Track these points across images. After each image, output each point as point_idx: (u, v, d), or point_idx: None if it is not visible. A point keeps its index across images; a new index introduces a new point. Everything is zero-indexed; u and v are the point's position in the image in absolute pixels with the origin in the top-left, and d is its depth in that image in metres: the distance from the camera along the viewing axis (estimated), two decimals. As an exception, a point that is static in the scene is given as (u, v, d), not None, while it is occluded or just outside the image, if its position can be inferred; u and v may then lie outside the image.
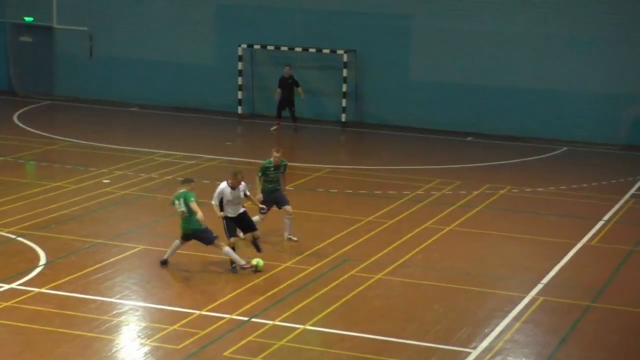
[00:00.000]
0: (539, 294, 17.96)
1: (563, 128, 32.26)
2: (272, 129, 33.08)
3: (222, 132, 32.94)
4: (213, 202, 18.96)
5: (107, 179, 25.26)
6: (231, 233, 19.02)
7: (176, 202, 18.66)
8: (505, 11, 32.58)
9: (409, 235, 21.27)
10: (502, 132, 32.73)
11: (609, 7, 31.67)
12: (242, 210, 19.15)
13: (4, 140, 29.60)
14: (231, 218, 19.00)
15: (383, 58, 33.91)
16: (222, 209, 18.95)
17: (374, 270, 18.87)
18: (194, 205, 18.40)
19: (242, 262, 18.67)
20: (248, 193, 19.17)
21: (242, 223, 19.29)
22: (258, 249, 19.18)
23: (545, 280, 18.65)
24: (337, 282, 18.31)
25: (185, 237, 18.88)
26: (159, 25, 36.13)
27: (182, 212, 18.58)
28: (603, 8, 31.69)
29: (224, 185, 18.95)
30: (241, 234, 19.64)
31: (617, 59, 31.72)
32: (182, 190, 18.69)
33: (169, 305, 17.05)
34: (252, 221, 19.39)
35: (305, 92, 33.28)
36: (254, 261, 19.00)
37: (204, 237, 18.72)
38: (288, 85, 32.82)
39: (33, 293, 17.31)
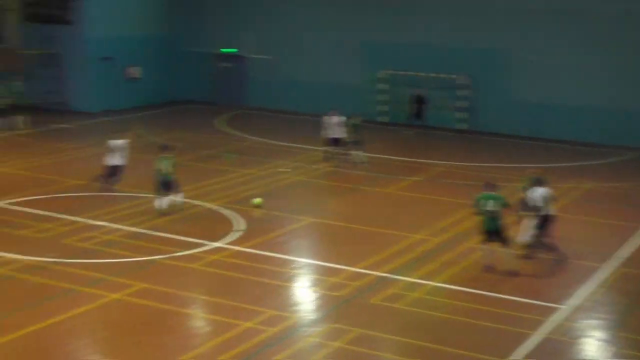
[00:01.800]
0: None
1: None
2: (407, 132, 32.97)
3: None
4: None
5: (285, 169, 25.56)
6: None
7: (488, 202, 16.54)
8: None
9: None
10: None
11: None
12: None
13: (208, 138, 30.19)
14: None
15: (492, 81, 33.42)
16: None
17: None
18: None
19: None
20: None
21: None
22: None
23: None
24: (457, 251, 18.12)
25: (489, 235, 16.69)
26: (320, 54, 36.33)
27: (492, 211, 16.49)
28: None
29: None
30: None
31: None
32: (489, 193, 16.65)
33: (331, 263, 17.15)
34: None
35: (433, 108, 33.08)
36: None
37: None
38: (418, 102, 32.76)
39: (233, 250, 17.71)
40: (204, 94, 38.60)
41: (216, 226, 19.44)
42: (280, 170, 25.10)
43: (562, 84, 32.29)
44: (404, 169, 26.64)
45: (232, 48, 37.81)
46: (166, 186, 20.09)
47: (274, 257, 17.34)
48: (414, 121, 33.13)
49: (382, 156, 28.17)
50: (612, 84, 31.55)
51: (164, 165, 20.08)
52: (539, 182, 17.30)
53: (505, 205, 16.60)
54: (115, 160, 21.72)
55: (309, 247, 18.59)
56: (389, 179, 24.79)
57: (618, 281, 16.66)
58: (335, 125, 26.15)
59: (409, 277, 16.40)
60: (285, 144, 29.62)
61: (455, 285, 16.06)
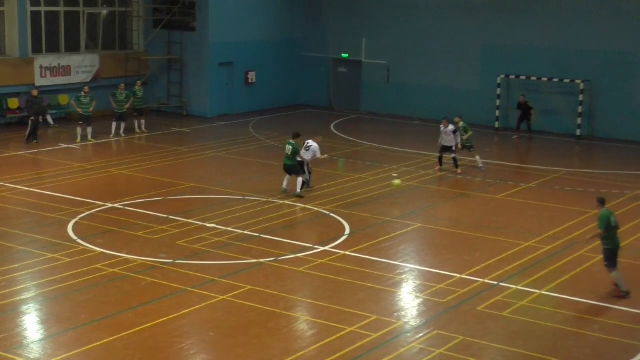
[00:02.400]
0: None
1: None
2: (513, 137, 32.54)
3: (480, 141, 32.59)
4: None
5: (395, 174, 25.59)
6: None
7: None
8: None
9: (631, 225, 20.29)
10: None
11: None
12: None
13: (322, 143, 30.34)
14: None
15: (613, 86, 32.51)
16: None
17: (598, 251, 18.15)
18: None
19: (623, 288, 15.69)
20: None
21: None
22: None
23: None
24: (567, 259, 17.84)
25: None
26: (438, 59, 36.19)
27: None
28: None
29: None
30: None
31: None
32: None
33: (437, 269, 17.12)
34: None
35: (548, 113, 32.51)
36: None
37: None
38: (524, 108, 32.35)
39: (339, 255, 17.86)
40: (321, 99, 39.02)
41: (325, 230, 19.65)
42: (394, 175, 25.09)
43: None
44: (515, 175, 26.24)
45: (348, 53, 38.10)
46: (287, 170, 22.45)
47: (380, 262, 17.41)
48: (521, 126, 32.63)
49: (493, 162, 27.84)
50: None
51: (287, 149, 22.29)
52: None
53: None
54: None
55: (415, 252, 18.55)
56: (499, 185, 24.48)
57: None
58: (448, 133, 25.70)
59: (517, 285, 16.18)
60: (399, 149, 29.60)
61: (564, 294, 15.75)
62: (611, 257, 15.64)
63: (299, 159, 22.72)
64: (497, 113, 34.43)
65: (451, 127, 25.65)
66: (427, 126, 34.39)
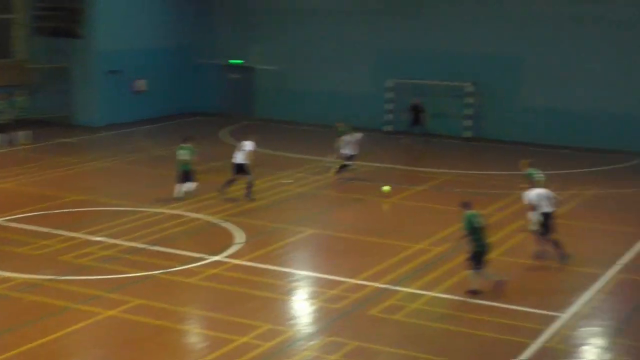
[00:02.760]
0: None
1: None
2: (400, 140, 33.00)
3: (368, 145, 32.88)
4: None
5: (288, 180, 25.47)
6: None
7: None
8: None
9: (515, 225, 20.60)
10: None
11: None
12: None
13: (212, 150, 29.69)
14: None
15: (499, 88, 33.30)
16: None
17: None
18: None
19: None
20: None
21: None
22: None
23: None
24: (457, 260, 17.85)
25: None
26: (330, 64, 36.30)
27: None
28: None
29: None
30: None
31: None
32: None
33: (331, 275, 17.02)
34: None
35: (438, 116, 33.14)
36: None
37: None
38: (416, 110, 32.82)
39: (231, 264, 17.56)
40: (213, 106, 38.60)
41: (215, 239, 19.34)
42: (283, 182, 24.98)
43: (571, 90, 32.10)
44: (408, 178, 26.52)
45: (240, 59, 37.84)
46: (184, 176, 22.43)
47: (272, 270, 17.24)
48: (412, 129, 33.12)
49: (385, 165, 28.07)
50: (622, 90, 31.33)
51: (182, 154, 22.36)
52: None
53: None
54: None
55: (308, 259, 18.50)
56: (393, 188, 24.66)
57: (618, 288, 16.49)
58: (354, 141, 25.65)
59: (409, 287, 16.28)
60: (291, 155, 29.49)
61: (454, 295, 15.90)
62: (477, 258, 15.78)
63: (241, 161, 22.52)
64: (389, 117, 34.78)
65: (358, 135, 25.78)
66: (320, 132, 34.43)
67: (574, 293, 16.04)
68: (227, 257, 17.99)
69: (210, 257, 17.90)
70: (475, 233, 15.76)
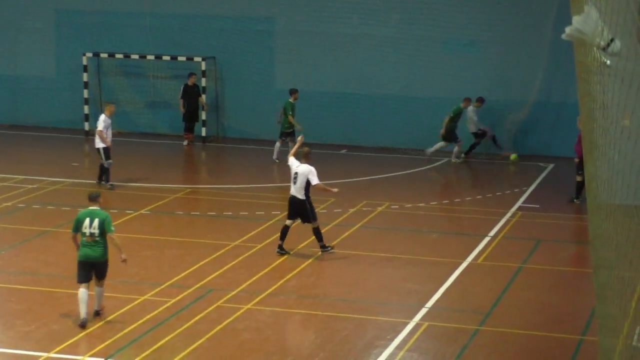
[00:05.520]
0: (424, 319, 18.16)
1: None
2: (184, 144, 33.21)
3: (67, 151, 32.44)
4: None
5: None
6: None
7: (86, 220, 17.51)
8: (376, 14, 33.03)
9: (280, 260, 21.29)
10: (377, 144, 33.01)
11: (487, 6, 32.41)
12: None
13: None
14: None
15: (246, 66, 34.01)
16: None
17: (242, 300, 18.80)
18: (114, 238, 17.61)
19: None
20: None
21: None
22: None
23: (429, 304, 18.87)
24: (201, 315, 18.17)
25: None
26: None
27: (92, 234, 17.44)
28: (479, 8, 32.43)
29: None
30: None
31: (498, 63, 32.39)
32: (92, 208, 17.67)
33: (13, 348, 16.72)
34: None
35: (160, 105, 33.28)
36: None
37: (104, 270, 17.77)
38: (194, 95, 33.04)
39: None
40: None
41: None
42: None
43: (348, 66, 33.40)
44: (123, 198, 26.47)
45: None
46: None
47: None
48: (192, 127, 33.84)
49: (80, 180, 27.91)
50: (414, 64, 33.01)
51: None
52: None
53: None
54: None
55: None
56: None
57: (422, 340, 17.37)
58: None
59: (132, 360, 16.27)
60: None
61: (200, 366, 16.09)
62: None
63: None
64: (87, 110, 34.53)
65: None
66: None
67: (366, 353, 16.70)
68: None
69: None
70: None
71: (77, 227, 17.43)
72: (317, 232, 21.51)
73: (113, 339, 17.00)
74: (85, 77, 34.48)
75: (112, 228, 17.45)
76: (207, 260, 21.25)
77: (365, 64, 33.19)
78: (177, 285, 19.73)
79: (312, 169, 21.15)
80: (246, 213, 24.93)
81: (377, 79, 33.19)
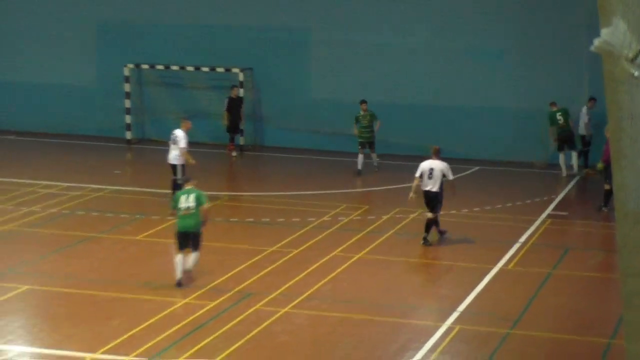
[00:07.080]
0: (455, 322, 18.27)
1: (473, 146, 32.65)
2: (233, 154, 33.35)
3: (110, 159, 32.68)
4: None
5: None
6: None
7: (182, 197, 19.96)
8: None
9: (316, 265, 21.42)
10: (407, 152, 33.00)
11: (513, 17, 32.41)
12: None
13: None
14: None
15: (282, 76, 34.15)
16: None
17: (279, 303, 18.98)
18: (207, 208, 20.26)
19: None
20: None
21: None
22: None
23: (460, 308, 18.97)
24: (240, 318, 18.34)
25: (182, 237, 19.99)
26: (33, 44, 35.76)
27: (188, 207, 19.86)
28: (508, 18, 32.42)
29: None
30: None
31: (526, 72, 32.37)
32: (188, 188, 20.27)
33: (58, 349, 16.90)
34: None
35: (199, 115, 33.51)
36: None
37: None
38: (237, 106, 33.18)
39: None
40: None
41: None
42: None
43: (376, 76, 33.50)
44: (162, 206, 26.68)
45: None
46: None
47: (-28, 347, 16.87)
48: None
49: (128, 188, 28.09)
50: (445, 73, 33.09)
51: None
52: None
53: None
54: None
55: (24, 327, 18.17)
56: (139, 221, 24.72)
57: (454, 343, 17.47)
58: None
59: (175, 359, 16.44)
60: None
61: (239, 367, 16.23)
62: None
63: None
64: (128, 119, 34.76)
65: None
66: (31, 142, 33.91)
67: (398, 356, 16.81)
68: None
69: None
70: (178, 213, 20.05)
71: (175, 204, 20.02)
72: (435, 222, 22.79)
73: (155, 340, 17.21)
74: (127, 87, 34.70)
75: (205, 201, 19.98)
76: (245, 265, 21.44)
77: (397, 73, 33.19)
78: (216, 289, 19.92)
79: (447, 165, 22.60)
80: (283, 220, 25.10)
81: (406, 88, 33.16)
